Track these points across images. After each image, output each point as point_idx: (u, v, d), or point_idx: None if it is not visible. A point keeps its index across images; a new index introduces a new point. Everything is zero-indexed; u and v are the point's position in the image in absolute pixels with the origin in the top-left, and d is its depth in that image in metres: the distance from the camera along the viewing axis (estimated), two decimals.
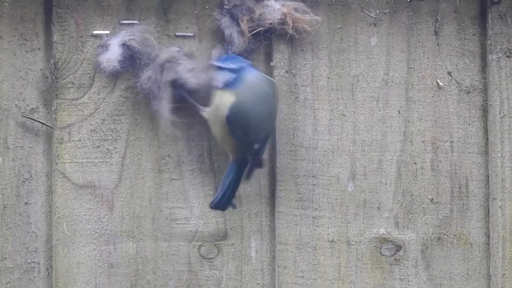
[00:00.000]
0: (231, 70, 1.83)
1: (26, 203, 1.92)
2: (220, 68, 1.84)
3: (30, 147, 1.92)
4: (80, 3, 1.91)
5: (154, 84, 1.87)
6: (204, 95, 1.88)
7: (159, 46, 1.90)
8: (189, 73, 1.87)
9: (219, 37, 1.91)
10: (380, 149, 1.94)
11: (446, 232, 1.95)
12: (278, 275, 1.94)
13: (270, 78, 1.87)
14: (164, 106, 1.87)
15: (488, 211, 1.95)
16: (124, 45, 1.89)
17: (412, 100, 1.95)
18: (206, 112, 1.87)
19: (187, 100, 1.87)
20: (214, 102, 1.85)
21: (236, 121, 1.82)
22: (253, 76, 1.83)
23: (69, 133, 1.91)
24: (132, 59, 1.89)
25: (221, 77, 1.84)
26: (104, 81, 1.91)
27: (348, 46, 1.94)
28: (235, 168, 1.86)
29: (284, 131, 1.93)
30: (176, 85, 1.87)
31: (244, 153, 1.85)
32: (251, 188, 1.93)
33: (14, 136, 1.92)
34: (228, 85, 1.83)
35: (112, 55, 1.89)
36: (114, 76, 1.91)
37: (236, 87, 1.83)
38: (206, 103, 1.87)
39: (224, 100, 1.83)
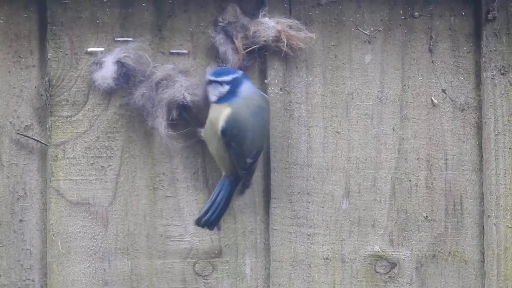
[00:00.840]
0: (225, 82, 1.83)
1: (20, 220, 1.92)
2: (213, 82, 1.84)
3: (24, 164, 1.92)
4: (74, 21, 1.91)
5: (148, 101, 1.87)
6: (201, 111, 1.88)
7: (154, 63, 1.90)
8: (186, 90, 1.87)
9: (214, 55, 1.91)
10: (375, 167, 1.94)
11: (441, 249, 1.95)
12: None
13: (263, 94, 1.88)
14: (159, 123, 1.86)
15: (483, 228, 1.95)
16: (119, 62, 1.89)
17: (407, 117, 1.95)
18: (202, 130, 1.87)
19: (186, 119, 1.88)
20: (209, 116, 1.85)
21: (231, 133, 1.82)
22: (247, 88, 1.84)
23: (64, 150, 1.91)
24: (127, 76, 1.89)
25: (215, 91, 1.84)
26: (99, 98, 1.91)
27: (343, 63, 1.94)
28: (226, 185, 1.87)
29: (278, 148, 1.93)
30: (174, 104, 1.86)
31: (238, 168, 1.85)
32: (246, 205, 1.93)
33: (9, 153, 1.92)
34: (223, 98, 1.84)
35: (107, 72, 1.89)
36: (109, 93, 1.91)
37: (231, 99, 1.83)
38: (204, 120, 1.86)
39: (219, 113, 1.83)
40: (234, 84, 1.84)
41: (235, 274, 1.94)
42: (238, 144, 1.83)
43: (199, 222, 1.88)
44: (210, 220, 1.87)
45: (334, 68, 1.94)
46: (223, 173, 1.88)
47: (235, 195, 1.89)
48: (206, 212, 1.87)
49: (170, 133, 1.87)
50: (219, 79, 1.84)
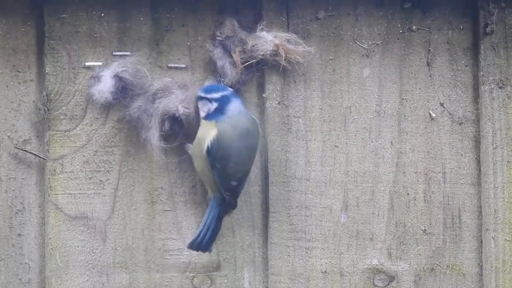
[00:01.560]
0: (214, 100, 1.83)
1: (19, 235, 1.92)
2: (203, 98, 1.84)
3: (23, 178, 1.92)
4: (72, 35, 1.91)
5: (144, 113, 1.87)
6: (191, 126, 1.88)
7: (152, 77, 1.90)
8: (180, 103, 1.87)
9: (212, 69, 1.91)
10: (373, 180, 1.94)
11: (439, 263, 1.95)
12: None
13: (252, 116, 1.86)
14: (153, 134, 1.86)
15: (481, 242, 1.95)
16: (117, 76, 1.89)
17: (405, 131, 1.95)
18: (190, 146, 1.87)
19: (176, 132, 1.88)
20: (198, 133, 1.85)
21: (216, 155, 1.82)
22: (235, 107, 1.83)
23: (62, 164, 1.91)
24: (125, 91, 1.89)
25: (204, 107, 1.84)
26: (97, 112, 1.91)
27: (341, 77, 1.94)
28: (215, 207, 1.86)
29: (276, 162, 1.93)
30: (167, 116, 1.86)
31: (222, 189, 1.85)
32: (244, 219, 1.93)
33: (7, 168, 1.92)
34: (211, 115, 1.83)
35: (105, 87, 1.89)
36: (107, 107, 1.91)
37: (218, 118, 1.83)
38: (193, 135, 1.86)
39: (207, 133, 1.83)
40: (223, 102, 1.83)
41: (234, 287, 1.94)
42: (222, 166, 1.82)
43: (192, 246, 1.87)
44: (202, 243, 1.87)
45: (332, 82, 1.94)
46: (209, 193, 1.87)
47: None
48: (198, 235, 1.87)
49: (162, 145, 1.87)
50: (208, 95, 1.83)
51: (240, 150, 1.82)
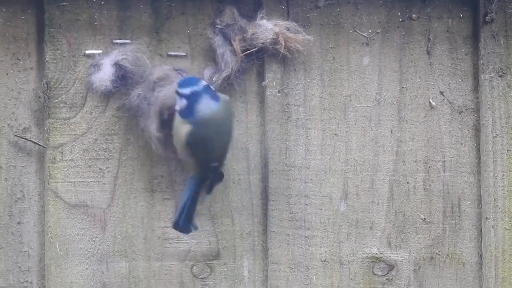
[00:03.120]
0: (184, 96, 1.80)
1: (18, 223, 1.92)
2: (176, 92, 1.82)
3: (22, 166, 1.92)
4: (72, 23, 1.91)
5: (144, 101, 1.87)
6: None
7: (153, 64, 1.90)
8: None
9: (211, 57, 1.91)
10: (373, 169, 1.94)
11: (439, 251, 1.95)
12: None
13: (223, 96, 1.83)
14: (151, 122, 1.86)
15: (481, 230, 1.95)
16: (117, 64, 1.89)
17: (405, 119, 1.95)
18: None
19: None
20: (174, 126, 1.84)
21: (194, 147, 1.82)
22: (205, 106, 1.80)
23: (62, 152, 1.91)
24: (125, 79, 1.89)
25: (178, 101, 1.82)
26: (97, 100, 1.91)
27: (341, 65, 1.94)
28: (192, 185, 1.86)
29: (276, 150, 1.93)
30: (166, 105, 1.86)
31: (204, 171, 1.85)
32: (243, 207, 1.93)
33: (7, 156, 1.92)
34: (183, 113, 1.81)
35: (105, 75, 1.89)
36: (107, 95, 1.91)
37: (190, 116, 1.80)
38: None
39: (181, 128, 1.82)
40: (192, 99, 1.80)
41: (233, 276, 1.94)
42: (202, 154, 1.82)
43: (176, 226, 1.87)
44: (179, 223, 1.86)
45: (332, 70, 1.94)
46: (190, 174, 1.87)
47: (206, 194, 1.89)
48: (177, 216, 1.87)
49: (158, 134, 1.86)
50: (179, 90, 1.81)
51: (216, 139, 1.82)
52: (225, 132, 1.84)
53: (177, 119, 1.82)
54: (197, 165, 1.85)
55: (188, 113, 1.81)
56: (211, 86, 1.83)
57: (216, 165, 1.85)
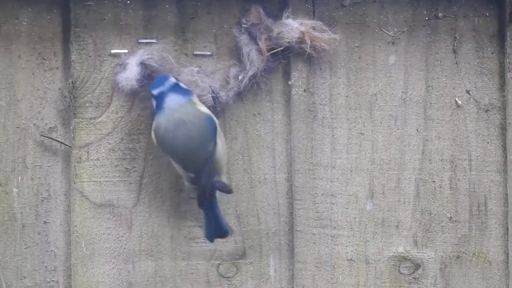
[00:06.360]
0: (153, 96, 1.82)
1: (45, 222, 1.92)
2: (149, 93, 1.84)
3: (48, 166, 1.92)
4: (98, 22, 1.91)
5: None
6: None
7: (178, 65, 1.90)
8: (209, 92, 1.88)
9: (237, 56, 1.91)
10: (399, 168, 1.94)
11: (465, 250, 1.95)
12: None
13: (201, 109, 1.83)
14: None
15: (507, 229, 1.95)
16: (142, 63, 1.89)
17: (431, 118, 1.95)
18: None
19: None
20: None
21: (159, 145, 1.82)
22: (171, 103, 1.80)
23: (88, 152, 1.92)
24: (151, 78, 1.89)
25: (153, 104, 1.84)
26: (122, 100, 1.92)
27: (366, 64, 1.94)
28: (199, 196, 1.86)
29: (302, 149, 1.93)
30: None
31: (187, 181, 1.85)
32: (269, 206, 1.94)
33: (33, 155, 1.92)
34: (155, 111, 1.82)
35: (130, 74, 1.89)
36: (132, 95, 1.91)
37: (157, 114, 1.81)
38: None
39: (152, 128, 1.84)
40: (160, 99, 1.81)
41: (259, 275, 1.94)
42: (172, 156, 1.83)
43: (211, 239, 1.88)
44: (209, 233, 1.87)
45: (358, 69, 1.94)
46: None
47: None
48: (206, 228, 1.87)
49: None
50: (151, 91, 1.83)
51: (180, 140, 1.80)
52: (196, 138, 1.81)
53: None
54: (179, 173, 1.85)
55: (157, 110, 1.81)
56: (180, 84, 1.83)
57: (194, 176, 1.82)
